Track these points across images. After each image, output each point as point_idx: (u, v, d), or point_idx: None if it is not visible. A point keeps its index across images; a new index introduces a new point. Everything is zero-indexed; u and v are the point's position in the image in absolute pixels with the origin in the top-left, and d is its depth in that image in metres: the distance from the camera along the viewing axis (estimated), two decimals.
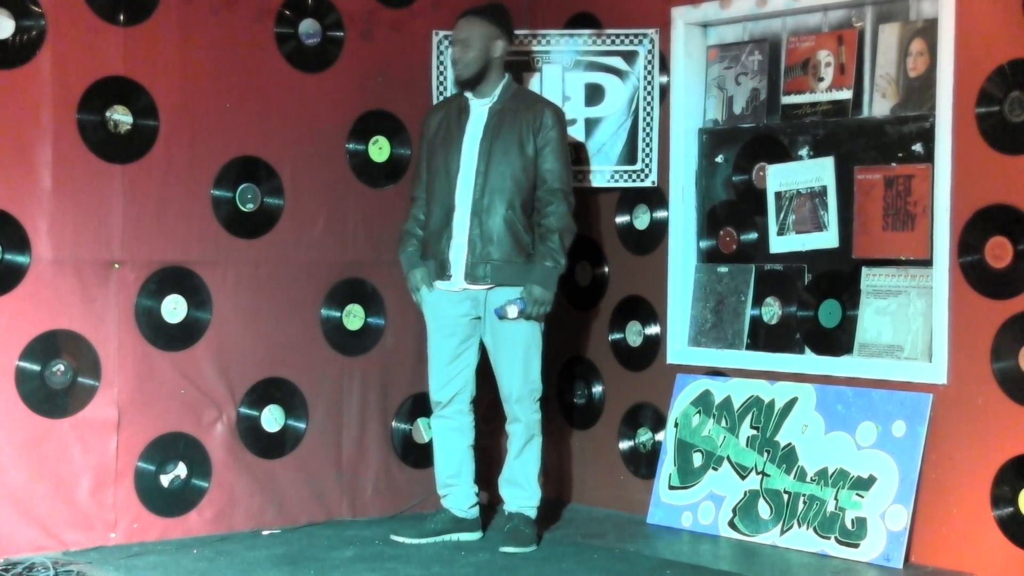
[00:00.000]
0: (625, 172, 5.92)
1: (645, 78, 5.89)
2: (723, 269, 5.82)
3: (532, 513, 5.38)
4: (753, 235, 5.77)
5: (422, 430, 5.91)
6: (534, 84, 5.89)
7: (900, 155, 5.26)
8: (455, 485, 5.44)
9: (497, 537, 5.35)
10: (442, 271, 5.26)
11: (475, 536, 5.41)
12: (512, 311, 5.14)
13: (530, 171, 5.22)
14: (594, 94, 5.92)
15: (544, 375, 5.42)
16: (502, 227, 5.18)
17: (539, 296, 5.17)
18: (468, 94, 5.34)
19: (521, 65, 5.89)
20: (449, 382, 5.38)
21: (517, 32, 5.86)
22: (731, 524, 5.47)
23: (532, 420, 5.36)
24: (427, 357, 5.43)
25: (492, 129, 5.24)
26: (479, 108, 5.31)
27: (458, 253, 5.23)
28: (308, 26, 5.62)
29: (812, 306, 5.52)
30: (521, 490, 5.37)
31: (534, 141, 5.21)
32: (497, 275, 5.20)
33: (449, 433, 5.44)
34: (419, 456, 5.89)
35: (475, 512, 5.45)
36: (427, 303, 5.36)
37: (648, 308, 6.00)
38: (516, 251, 5.20)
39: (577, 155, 5.85)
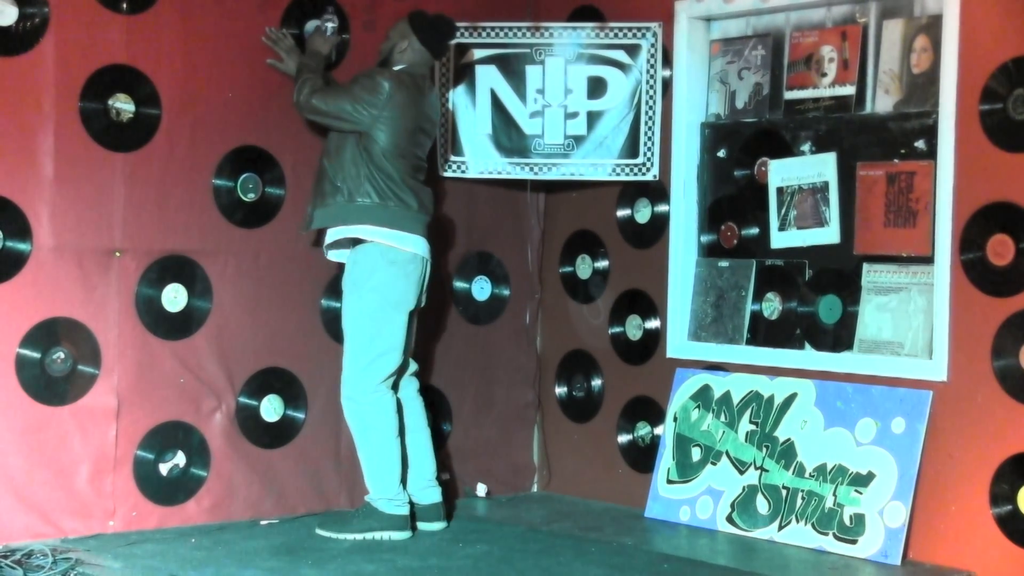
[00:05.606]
0: (627, 166, 5.92)
1: (648, 72, 5.88)
2: (724, 264, 5.82)
3: (378, 504, 5.24)
4: (754, 230, 5.77)
5: None
6: (535, 76, 5.90)
7: (903, 151, 5.25)
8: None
9: (458, 528, 5.42)
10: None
11: (439, 526, 5.40)
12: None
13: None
14: (597, 87, 5.91)
15: (364, 365, 5.21)
16: (320, 176, 5.26)
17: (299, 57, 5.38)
18: None
19: (524, 58, 5.89)
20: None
21: (519, 25, 5.89)
22: (729, 519, 5.48)
23: (344, 408, 5.28)
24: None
25: None
26: None
27: None
28: (312, 29, 5.59)
29: (812, 302, 5.52)
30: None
31: None
32: (319, 220, 5.24)
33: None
34: None
35: (434, 495, 5.43)
36: None
37: (648, 302, 6.00)
38: (329, 196, 5.19)
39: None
